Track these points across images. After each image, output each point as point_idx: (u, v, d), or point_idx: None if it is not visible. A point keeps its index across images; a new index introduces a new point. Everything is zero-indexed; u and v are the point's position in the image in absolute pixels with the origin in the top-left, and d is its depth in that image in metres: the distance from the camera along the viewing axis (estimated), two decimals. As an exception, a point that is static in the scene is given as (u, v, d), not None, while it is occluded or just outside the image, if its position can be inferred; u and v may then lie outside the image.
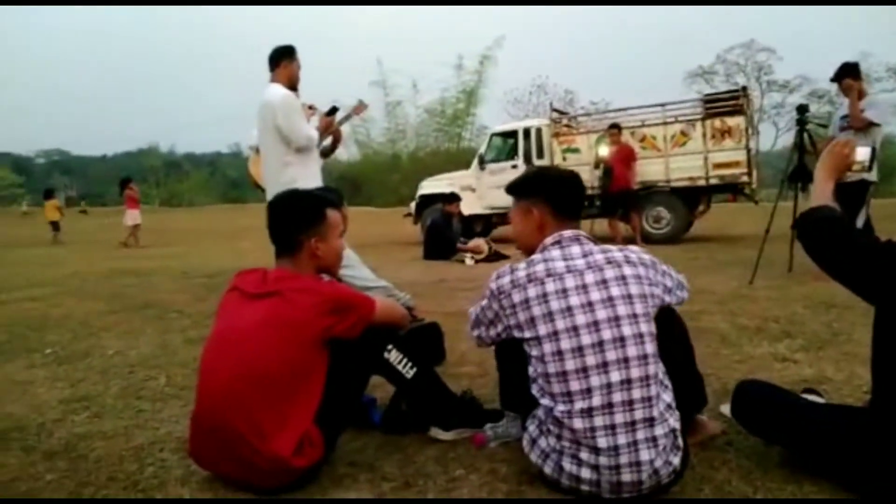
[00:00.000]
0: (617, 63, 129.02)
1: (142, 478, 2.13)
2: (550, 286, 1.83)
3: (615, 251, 1.92)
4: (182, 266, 8.95)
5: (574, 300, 1.80)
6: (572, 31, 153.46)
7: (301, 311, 1.96)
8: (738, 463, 2.03)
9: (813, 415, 1.91)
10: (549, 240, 1.97)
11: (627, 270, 1.86)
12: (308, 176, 4.23)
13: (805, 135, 5.83)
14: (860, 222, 5.44)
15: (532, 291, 1.85)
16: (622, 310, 1.79)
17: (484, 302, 2.03)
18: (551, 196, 2.02)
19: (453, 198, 10.46)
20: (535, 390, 1.86)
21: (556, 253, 1.92)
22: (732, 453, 2.11)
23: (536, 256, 1.94)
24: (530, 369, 1.87)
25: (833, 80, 5.91)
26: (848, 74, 5.76)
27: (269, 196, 4.33)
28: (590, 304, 1.79)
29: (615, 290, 1.82)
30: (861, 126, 5.60)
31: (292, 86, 4.35)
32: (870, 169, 2.36)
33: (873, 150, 2.15)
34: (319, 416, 1.96)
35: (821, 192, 2.00)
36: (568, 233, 1.96)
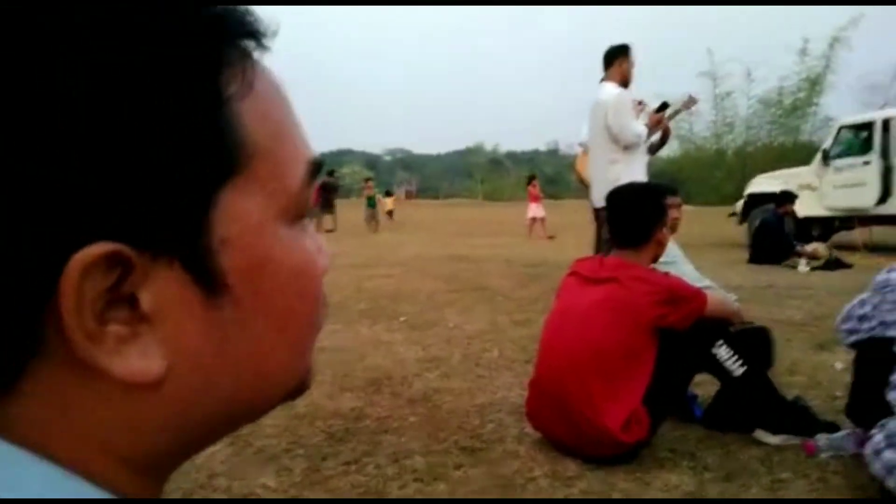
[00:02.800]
0: None
1: (484, 431, 2.47)
2: None
3: None
4: (507, 255, 9.65)
5: None
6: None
7: (637, 298, 2.10)
8: None
9: None
10: None
11: None
12: (633, 174, 4.30)
13: None
14: None
15: None
16: None
17: (864, 295, 1.97)
18: None
19: (788, 197, 9.55)
20: (891, 397, 1.74)
21: None
22: None
23: None
24: (894, 377, 1.76)
25: None
26: None
27: (595, 193, 4.51)
28: None
29: None
30: None
31: (625, 83, 4.46)
32: None
33: None
34: (647, 399, 2.08)
35: None
36: None
